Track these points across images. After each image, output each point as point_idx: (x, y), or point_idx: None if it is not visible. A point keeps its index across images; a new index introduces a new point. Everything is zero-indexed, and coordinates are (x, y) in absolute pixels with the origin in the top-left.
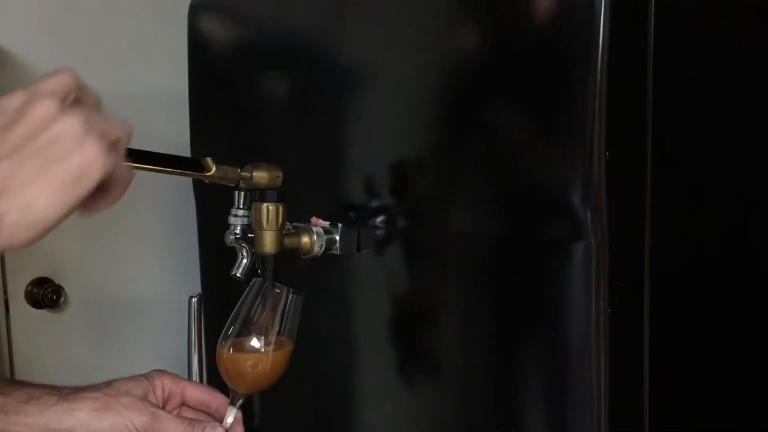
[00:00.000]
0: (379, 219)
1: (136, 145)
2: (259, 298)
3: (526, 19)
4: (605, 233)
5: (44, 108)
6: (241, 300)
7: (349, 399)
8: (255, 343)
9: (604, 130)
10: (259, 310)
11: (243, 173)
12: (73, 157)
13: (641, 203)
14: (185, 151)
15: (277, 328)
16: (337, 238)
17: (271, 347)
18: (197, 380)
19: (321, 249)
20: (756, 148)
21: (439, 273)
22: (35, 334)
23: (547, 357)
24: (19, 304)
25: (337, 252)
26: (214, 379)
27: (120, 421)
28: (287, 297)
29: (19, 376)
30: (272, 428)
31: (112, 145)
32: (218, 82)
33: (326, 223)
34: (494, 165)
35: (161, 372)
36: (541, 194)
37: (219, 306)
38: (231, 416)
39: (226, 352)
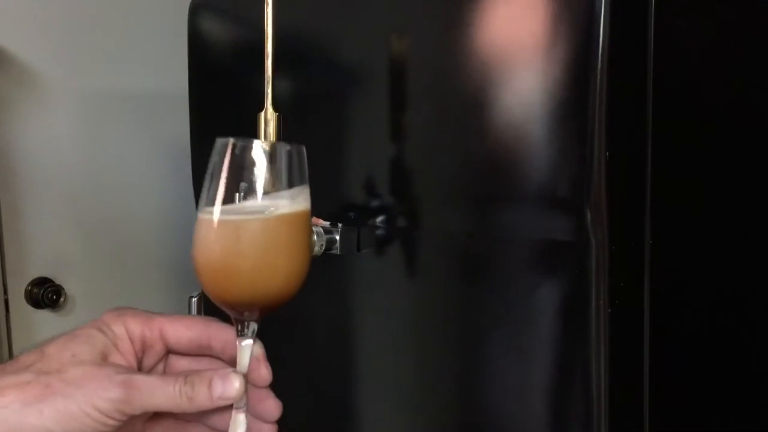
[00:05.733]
0: (379, 219)
1: (136, 144)
2: (245, 157)
3: (525, 19)
4: (605, 233)
5: None
6: (218, 163)
7: (349, 399)
8: (251, 210)
9: (604, 130)
10: (247, 172)
11: None
12: None
13: (641, 203)
14: (185, 150)
15: (284, 184)
16: (337, 238)
17: (280, 210)
18: None
19: (321, 249)
20: (756, 148)
21: (438, 273)
22: (35, 334)
23: (547, 357)
24: (20, 304)
25: (337, 252)
26: None
27: (74, 409)
28: (287, 152)
29: None
30: None
31: None
32: (218, 82)
33: (326, 223)
34: (494, 165)
35: (122, 312)
36: (541, 194)
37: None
38: (245, 353)
39: (207, 241)
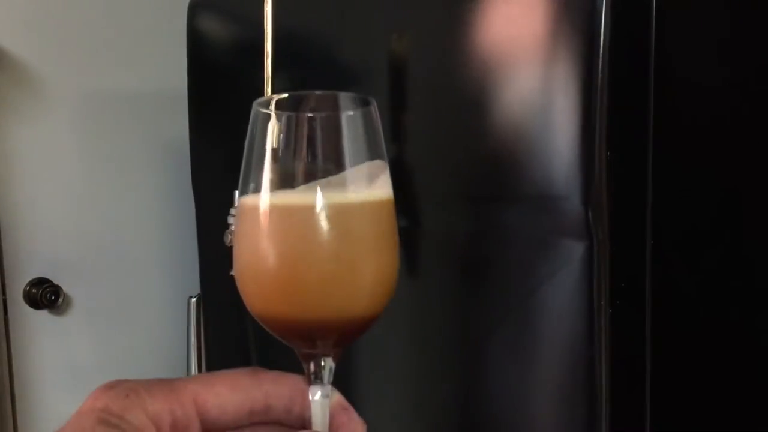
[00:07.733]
0: None
1: (136, 144)
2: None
3: (526, 19)
4: (606, 233)
5: None
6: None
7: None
8: (321, 195)
9: (604, 130)
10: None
11: None
12: None
13: (642, 203)
14: (185, 150)
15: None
16: None
17: (366, 193)
18: None
19: None
20: (756, 148)
21: (438, 273)
22: (34, 334)
23: (548, 357)
24: (18, 305)
25: None
26: None
27: None
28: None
29: (18, 376)
30: None
31: None
32: (217, 81)
33: None
34: (494, 165)
35: (130, 390)
36: (542, 194)
37: (218, 306)
38: (323, 407)
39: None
